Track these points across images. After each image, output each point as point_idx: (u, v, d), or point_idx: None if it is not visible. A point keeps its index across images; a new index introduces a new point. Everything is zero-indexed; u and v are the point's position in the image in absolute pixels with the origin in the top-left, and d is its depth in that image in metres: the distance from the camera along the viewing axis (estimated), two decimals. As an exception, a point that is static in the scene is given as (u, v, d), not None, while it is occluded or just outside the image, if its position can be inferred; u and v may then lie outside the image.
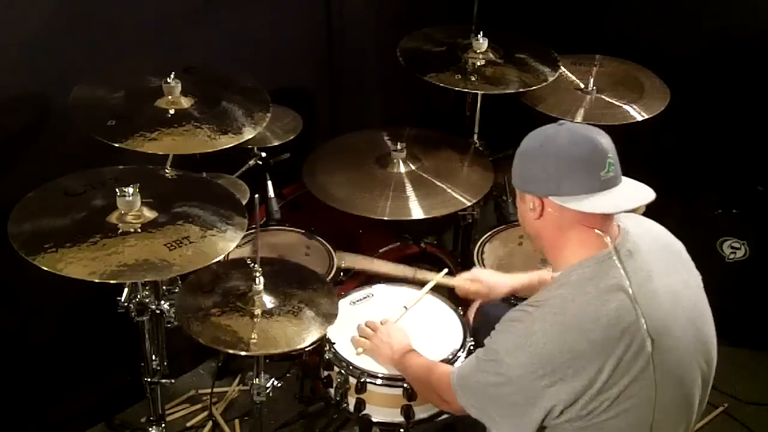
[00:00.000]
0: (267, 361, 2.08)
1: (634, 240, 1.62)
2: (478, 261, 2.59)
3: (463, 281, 2.21)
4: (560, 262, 1.63)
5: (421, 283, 2.31)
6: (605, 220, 1.60)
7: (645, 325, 1.51)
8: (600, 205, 1.55)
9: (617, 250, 1.57)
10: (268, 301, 1.96)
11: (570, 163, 1.56)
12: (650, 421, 1.54)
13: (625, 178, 1.61)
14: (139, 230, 1.83)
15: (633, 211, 1.61)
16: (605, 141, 1.58)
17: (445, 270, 2.33)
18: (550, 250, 1.67)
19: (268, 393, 2.07)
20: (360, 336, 2.14)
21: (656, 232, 1.73)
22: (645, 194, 1.59)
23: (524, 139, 1.65)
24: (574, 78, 2.84)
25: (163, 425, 2.33)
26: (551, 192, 1.58)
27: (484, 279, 2.19)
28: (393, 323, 2.16)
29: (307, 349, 2.21)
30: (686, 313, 1.61)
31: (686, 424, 1.64)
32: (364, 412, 2.07)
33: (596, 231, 1.57)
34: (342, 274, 2.52)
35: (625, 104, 2.72)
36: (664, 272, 1.62)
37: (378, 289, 2.35)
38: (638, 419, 1.54)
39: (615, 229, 1.62)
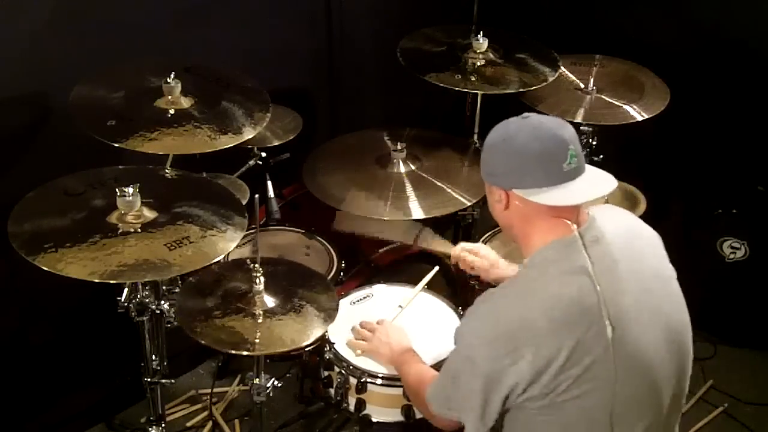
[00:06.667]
0: (267, 361, 2.08)
1: (601, 228, 1.63)
2: (478, 261, 2.59)
3: (461, 250, 2.20)
4: (527, 248, 1.67)
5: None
6: (572, 208, 1.62)
7: (606, 311, 1.53)
8: (562, 197, 1.58)
9: (582, 236, 1.59)
10: (269, 300, 1.96)
11: (531, 157, 1.59)
12: (610, 408, 1.54)
13: (588, 167, 1.64)
14: (139, 230, 1.83)
15: (633, 209, 1.62)
16: (567, 133, 1.60)
17: (437, 268, 2.33)
18: (519, 238, 1.70)
19: (268, 393, 2.06)
20: (356, 338, 2.14)
21: (628, 223, 1.74)
22: (607, 184, 1.62)
23: (490, 131, 1.68)
24: (574, 78, 2.84)
25: (163, 425, 2.33)
26: (514, 185, 1.62)
27: (485, 254, 2.18)
28: (391, 322, 2.16)
29: (307, 349, 2.21)
30: (654, 302, 1.62)
31: (653, 415, 1.62)
32: (364, 412, 2.08)
33: (562, 219, 1.60)
34: (342, 273, 2.52)
35: (625, 104, 2.72)
36: (632, 260, 1.63)
37: (378, 289, 2.35)
38: (598, 403, 1.54)
39: (583, 217, 1.64)
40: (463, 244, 2.24)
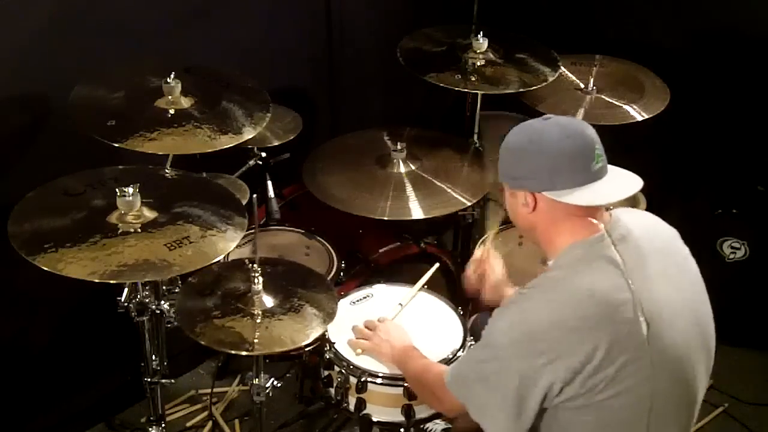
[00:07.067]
0: (267, 361, 2.08)
1: (627, 226, 1.63)
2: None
3: (487, 252, 2.19)
4: (553, 249, 1.65)
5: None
6: (597, 209, 1.62)
7: (640, 307, 1.53)
8: (594, 197, 1.57)
9: (610, 234, 1.59)
10: (268, 300, 1.96)
11: (562, 157, 1.58)
12: (649, 404, 1.55)
13: (611, 167, 1.63)
14: (139, 230, 1.83)
15: (634, 205, 1.62)
16: (591, 132, 1.60)
17: (437, 265, 2.33)
18: (543, 241, 1.68)
19: (268, 393, 2.06)
20: (357, 337, 2.14)
21: (648, 221, 1.75)
22: (634, 182, 1.62)
23: (509, 134, 1.66)
24: (574, 78, 2.84)
25: (163, 425, 2.33)
26: (545, 187, 1.60)
27: (499, 270, 2.16)
28: (391, 321, 2.16)
29: (307, 349, 2.21)
30: (682, 296, 1.62)
31: (688, 414, 1.63)
32: (364, 412, 2.07)
33: (589, 219, 1.60)
34: (342, 273, 2.52)
35: (625, 104, 2.72)
36: (658, 257, 1.63)
37: (378, 289, 2.35)
38: (637, 401, 1.54)
39: (606, 217, 1.64)
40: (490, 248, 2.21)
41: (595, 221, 1.60)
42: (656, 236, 1.69)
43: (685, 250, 1.72)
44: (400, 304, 2.25)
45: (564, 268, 1.59)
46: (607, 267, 1.56)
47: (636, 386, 1.53)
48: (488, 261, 2.19)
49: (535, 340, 1.52)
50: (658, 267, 1.61)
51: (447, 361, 2.07)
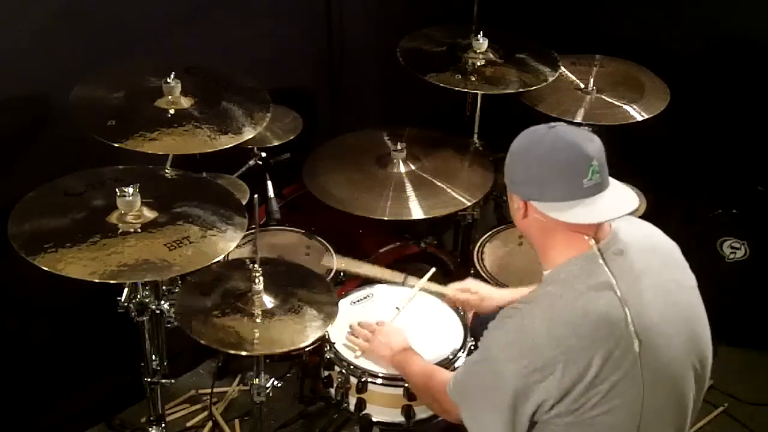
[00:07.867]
0: (267, 361, 2.08)
1: (624, 240, 1.62)
2: (478, 261, 2.59)
3: (453, 290, 2.21)
4: (548, 260, 1.65)
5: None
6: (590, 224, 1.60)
7: (632, 326, 1.52)
8: (579, 216, 1.55)
9: (602, 252, 1.58)
10: (268, 301, 1.96)
11: (551, 169, 1.56)
12: (638, 421, 1.54)
13: (613, 182, 1.61)
14: (139, 230, 1.83)
15: (632, 213, 1.61)
16: (592, 146, 1.56)
17: (433, 269, 2.33)
18: (538, 248, 1.68)
19: (268, 393, 2.07)
20: (354, 336, 2.14)
21: (648, 233, 1.73)
22: (628, 203, 1.59)
23: (517, 137, 1.65)
24: (574, 78, 2.84)
25: (163, 425, 2.33)
26: (533, 197, 1.60)
27: (476, 289, 2.18)
28: (390, 324, 2.16)
29: (307, 349, 2.21)
30: (678, 313, 1.62)
31: (678, 426, 1.63)
32: (364, 412, 2.07)
33: (583, 234, 1.58)
34: (342, 274, 2.52)
35: (625, 104, 2.72)
36: (656, 272, 1.62)
37: (378, 289, 2.35)
38: (627, 417, 1.54)
39: (605, 229, 1.62)
40: (453, 285, 2.23)
41: (586, 237, 1.58)
42: (654, 251, 1.67)
43: (684, 263, 1.70)
44: (397, 308, 2.25)
45: (560, 284, 1.58)
46: (601, 285, 1.55)
47: (626, 404, 1.53)
48: (457, 298, 2.21)
49: (530, 357, 1.52)
50: (654, 283, 1.60)
51: (448, 362, 2.07)
